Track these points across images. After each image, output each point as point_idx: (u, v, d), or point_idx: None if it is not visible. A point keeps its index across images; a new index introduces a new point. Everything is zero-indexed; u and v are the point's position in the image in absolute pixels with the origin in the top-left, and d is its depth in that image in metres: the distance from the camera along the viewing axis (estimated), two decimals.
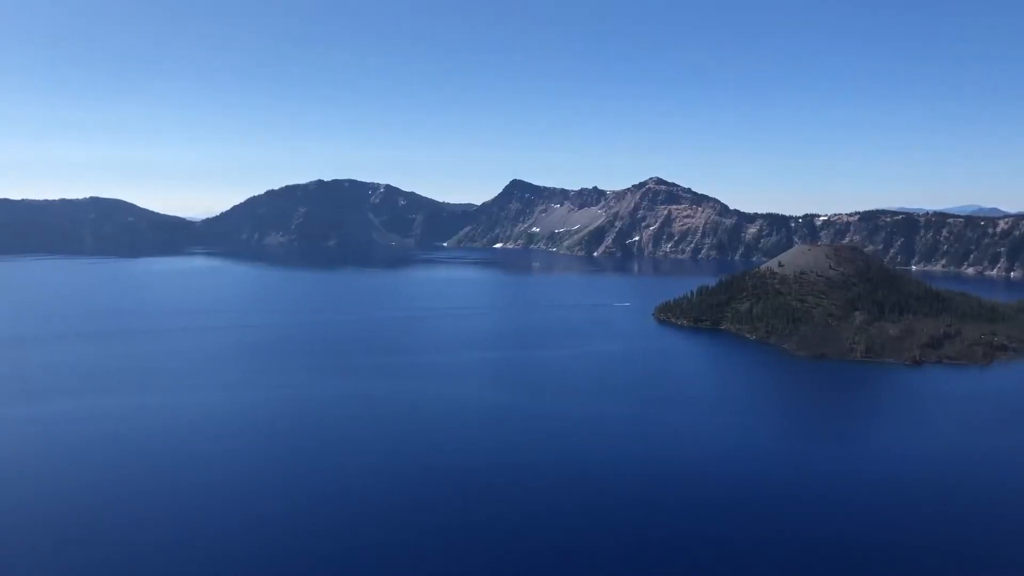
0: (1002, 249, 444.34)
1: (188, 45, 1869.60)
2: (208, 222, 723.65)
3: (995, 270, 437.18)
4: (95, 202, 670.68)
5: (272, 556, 79.42)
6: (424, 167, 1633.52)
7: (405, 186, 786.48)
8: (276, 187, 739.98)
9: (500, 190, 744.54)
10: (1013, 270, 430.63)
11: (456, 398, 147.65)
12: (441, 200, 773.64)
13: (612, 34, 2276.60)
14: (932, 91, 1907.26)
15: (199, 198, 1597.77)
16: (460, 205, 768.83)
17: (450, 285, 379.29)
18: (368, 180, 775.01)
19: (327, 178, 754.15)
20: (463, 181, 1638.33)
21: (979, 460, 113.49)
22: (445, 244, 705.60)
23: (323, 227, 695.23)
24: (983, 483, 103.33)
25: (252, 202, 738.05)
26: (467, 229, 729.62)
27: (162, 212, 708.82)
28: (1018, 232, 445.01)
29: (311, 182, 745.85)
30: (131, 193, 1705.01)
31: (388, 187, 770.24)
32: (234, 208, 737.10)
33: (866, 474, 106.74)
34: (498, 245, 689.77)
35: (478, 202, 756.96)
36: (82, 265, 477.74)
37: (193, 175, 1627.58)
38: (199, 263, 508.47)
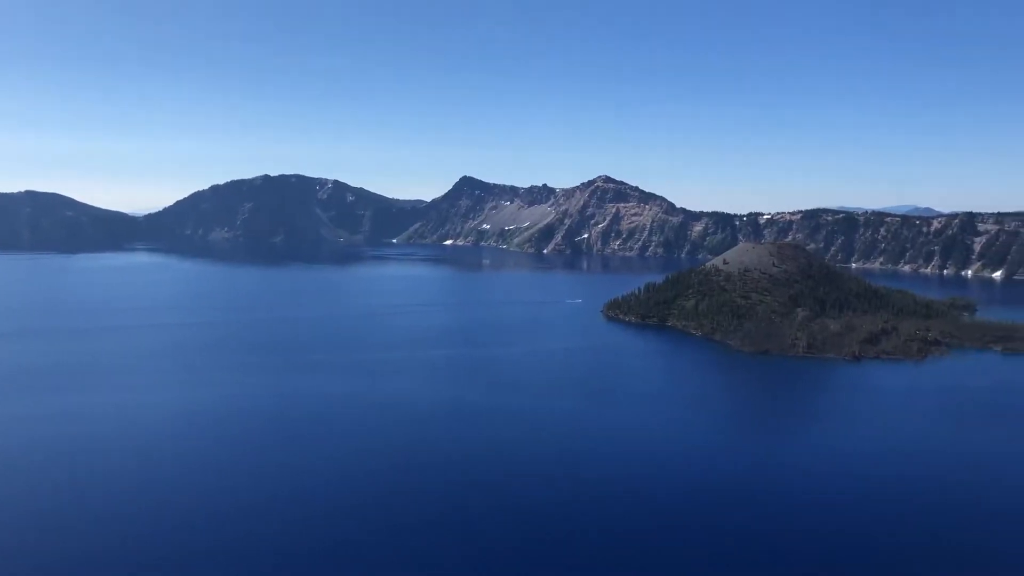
0: (936, 248, 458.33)
1: (128, 35, 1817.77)
2: (151, 217, 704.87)
3: (929, 268, 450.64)
4: (31, 196, 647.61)
5: (224, 554, 76.72)
6: (373, 163, 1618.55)
7: (354, 182, 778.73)
8: (221, 182, 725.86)
9: (450, 187, 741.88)
10: (946, 268, 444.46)
11: (408, 395, 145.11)
12: (390, 196, 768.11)
13: (559, 31, 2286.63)
14: (871, 93, 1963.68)
15: (141, 193, 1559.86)
16: (410, 201, 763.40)
17: (400, 282, 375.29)
18: (316, 175, 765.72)
19: (274, 173, 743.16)
20: (413, 177, 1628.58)
21: (915, 452, 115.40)
22: (394, 241, 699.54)
23: (270, 223, 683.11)
24: (919, 473, 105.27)
25: (196, 197, 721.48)
26: (417, 226, 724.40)
27: (103, 207, 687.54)
28: (950, 231, 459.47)
29: (257, 177, 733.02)
30: (70, 187, 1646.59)
31: (336, 183, 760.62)
32: (177, 203, 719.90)
33: (808, 467, 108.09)
34: (448, 242, 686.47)
35: (428, 199, 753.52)
36: (16, 261, 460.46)
37: (135, 169, 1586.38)
38: (141, 259, 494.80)
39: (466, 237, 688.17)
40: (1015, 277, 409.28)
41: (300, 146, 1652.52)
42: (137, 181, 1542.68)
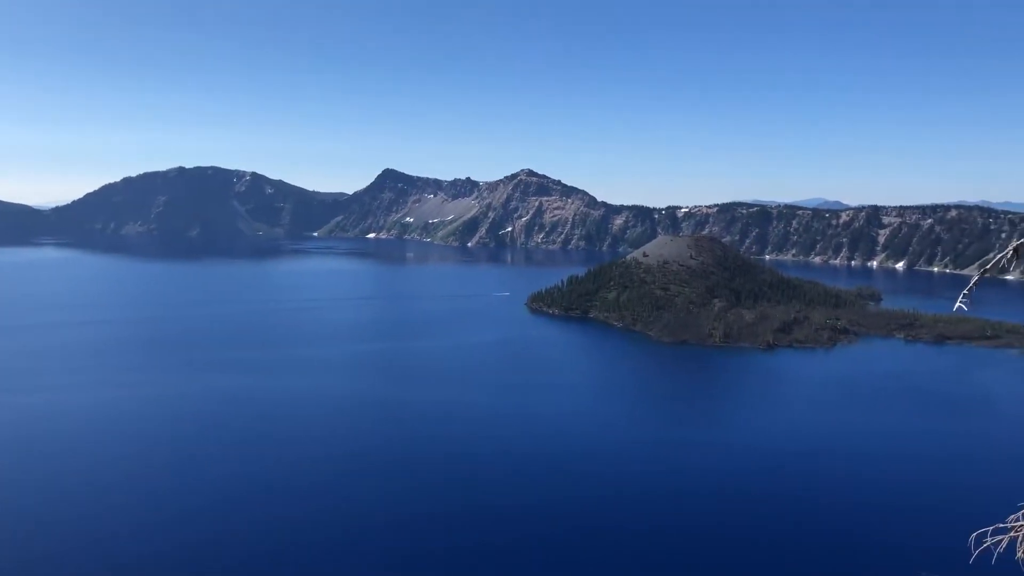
0: (844, 240, 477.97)
1: (30, 19, 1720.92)
2: (59, 210, 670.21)
3: (838, 259, 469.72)
4: None
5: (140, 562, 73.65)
6: (292, 154, 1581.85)
7: (273, 174, 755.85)
8: (133, 174, 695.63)
9: (373, 179, 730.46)
10: (853, 259, 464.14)
11: (333, 391, 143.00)
12: (311, 189, 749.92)
13: (479, 25, 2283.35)
14: (782, 91, 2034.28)
15: (48, 185, 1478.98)
16: (331, 194, 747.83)
17: (322, 276, 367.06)
18: (233, 167, 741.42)
19: (189, 165, 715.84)
20: (334, 169, 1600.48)
21: (825, 433, 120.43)
22: (316, 234, 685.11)
23: (185, 216, 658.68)
24: (828, 452, 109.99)
25: (107, 190, 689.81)
26: (338, 219, 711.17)
27: (5, 199, 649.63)
28: (857, 224, 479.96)
29: (171, 169, 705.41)
30: None
31: (254, 175, 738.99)
32: (87, 196, 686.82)
33: (724, 451, 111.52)
34: (371, 235, 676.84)
35: (350, 191, 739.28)
36: None
37: (41, 160, 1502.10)
38: (49, 254, 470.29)
39: (389, 230, 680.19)
40: (916, 268, 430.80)
41: (216, 137, 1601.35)
42: (43, 173, 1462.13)
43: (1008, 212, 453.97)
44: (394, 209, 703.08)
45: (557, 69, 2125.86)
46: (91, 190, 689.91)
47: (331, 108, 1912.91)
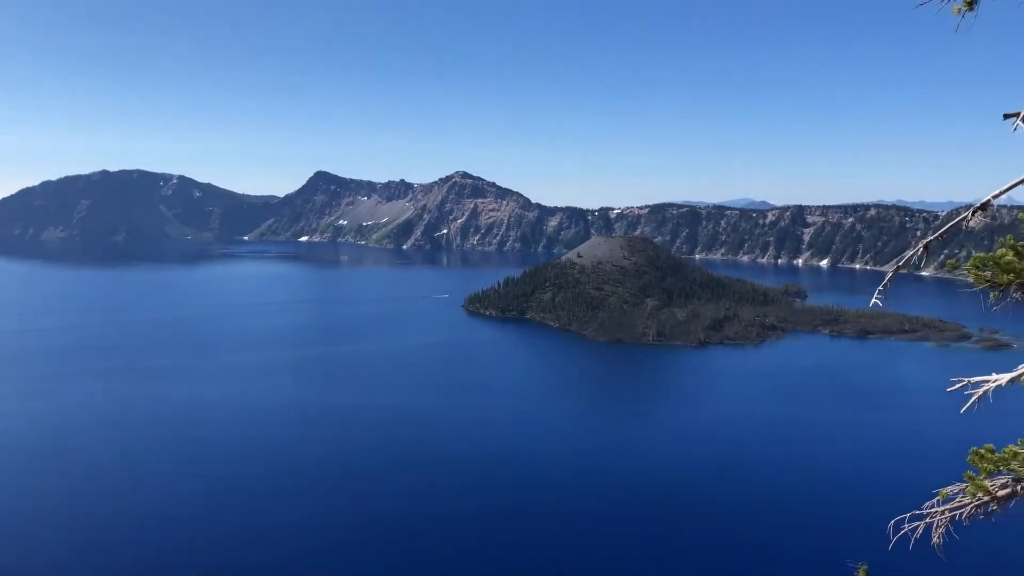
0: (771, 239, 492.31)
1: None
2: None
3: (765, 257, 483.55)
4: None
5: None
6: (221, 157, 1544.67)
7: (200, 177, 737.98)
8: (53, 178, 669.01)
9: (304, 181, 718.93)
10: (780, 257, 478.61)
11: (268, 397, 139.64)
12: (240, 192, 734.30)
13: (413, 24, 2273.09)
14: (709, 93, 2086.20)
15: None
16: (261, 197, 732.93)
17: (255, 280, 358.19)
18: (159, 170, 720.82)
19: (113, 168, 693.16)
20: (264, 172, 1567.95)
21: (756, 428, 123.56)
22: (246, 238, 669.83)
23: (109, 221, 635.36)
24: (758, 442, 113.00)
25: (25, 194, 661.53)
26: (270, 222, 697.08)
27: None
28: (783, 223, 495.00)
29: (94, 172, 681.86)
30: None
31: (181, 178, 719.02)
32: (4, 200, 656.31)
33: (658, 445, 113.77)
34: (303, 238, 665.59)
35: (281, 194, 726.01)
36: None
37: None
38: None
39: (322, 233, 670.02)
40: (839, 265, 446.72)
41: (141, 140, 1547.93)
42: None
43: (923, 211, 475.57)
44: (327, 212, 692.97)
45: (490, 70, 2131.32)
46: (6, 195, 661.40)
47: (261, 109, 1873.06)
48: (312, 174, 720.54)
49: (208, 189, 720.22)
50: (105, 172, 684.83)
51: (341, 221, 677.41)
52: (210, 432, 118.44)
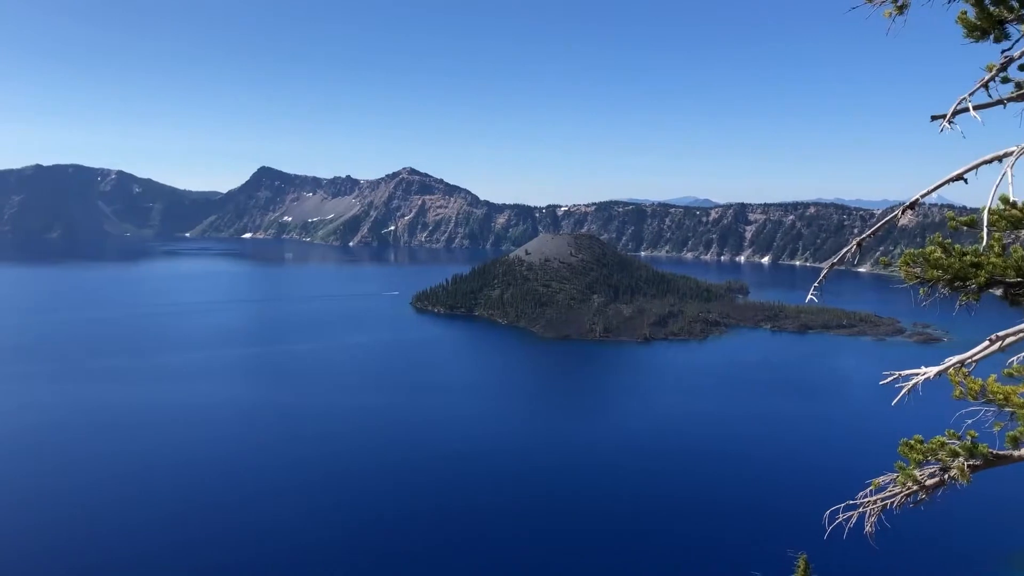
0: (714, 236, 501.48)
1: None
2: None
3: (708, 254, 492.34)
4: None
5: None
6: (161, 152, 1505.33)
7: (140, 172, 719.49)
8: None
9: (248, 177, 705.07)
10: (722, 254, 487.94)
11: (214, 398, 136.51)
12: (182, 187, 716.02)
13: (358, 18, 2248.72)
14: (653, 91, 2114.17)
15: None
16: (204, 193, 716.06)
17: (197, 278, 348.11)
18: (96, 165, 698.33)
19: (46, 162, 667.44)
20: (206, 167, 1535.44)
21: (700, 421, 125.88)
22: (188, 235, 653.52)
23: (43, 217, 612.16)
24: (701, 435, 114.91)
25: None
26: (212, 218, 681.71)
27: None
28: (726, 221, 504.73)
29: (27, 167, 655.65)
30: None
31: (120, 173, 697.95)
32: None
33: (606, 439, 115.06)
34: (247, 235, 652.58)
35: (224, 190, 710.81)
36: None
37: None
38: None
39: (266, 230, 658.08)
40: (780, 262, 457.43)
41: (76, 133, 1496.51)
42: None
43: (859, 209, 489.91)
44: (271, 208, 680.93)
45: (436, 66, 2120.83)
46: None
47: (203, 103, 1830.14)
48: (256, 170, 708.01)
49: (148, 185, 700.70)
50: (38, 166, 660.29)
51: (286, 218, 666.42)
52: (155, 435, 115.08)
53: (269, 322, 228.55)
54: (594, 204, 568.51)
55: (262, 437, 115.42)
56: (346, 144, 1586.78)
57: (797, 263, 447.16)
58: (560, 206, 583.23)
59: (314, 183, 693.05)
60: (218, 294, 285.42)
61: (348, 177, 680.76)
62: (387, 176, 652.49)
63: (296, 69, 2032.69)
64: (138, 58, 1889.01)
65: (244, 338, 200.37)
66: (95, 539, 79.42)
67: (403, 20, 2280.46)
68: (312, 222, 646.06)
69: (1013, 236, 9.49)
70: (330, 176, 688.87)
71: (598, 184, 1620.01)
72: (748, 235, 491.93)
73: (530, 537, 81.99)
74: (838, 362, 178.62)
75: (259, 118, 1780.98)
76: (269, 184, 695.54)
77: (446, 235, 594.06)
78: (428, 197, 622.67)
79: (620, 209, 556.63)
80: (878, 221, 9.95)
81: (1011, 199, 8.91)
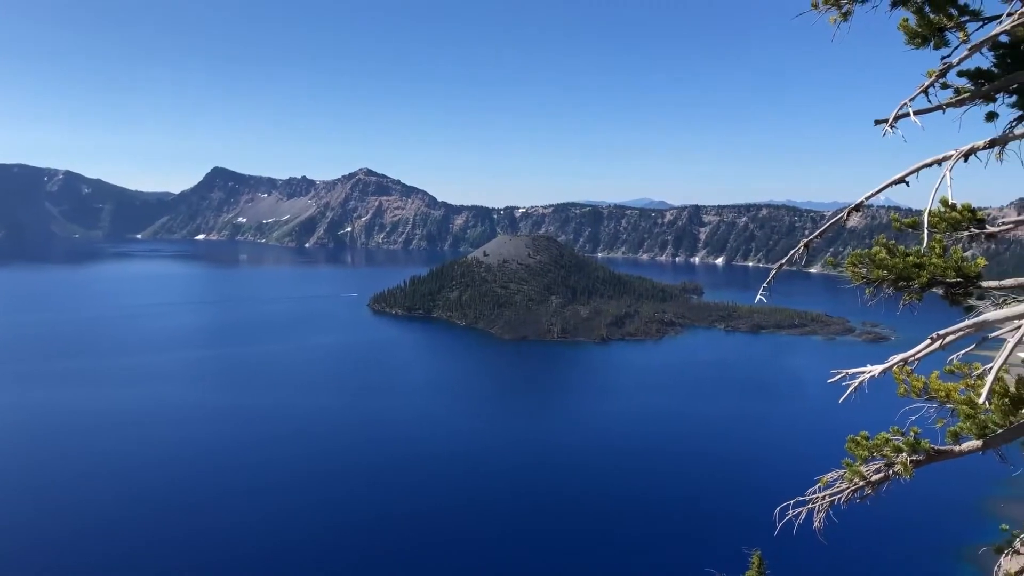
0: (669, 238, 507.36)
1: None
2: None
3: (664, 255, 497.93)
4: None
5: None
6: (111, 151, 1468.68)
7: (89, 172, 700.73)
8: None
9: (201, 178, 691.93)
10: (677, 255, 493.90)
11: (171, 400, 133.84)
12: (133, 188, 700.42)
13: (314, 20, 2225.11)
14: (608, 97, 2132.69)
15: None
16: (155, 194, 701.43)
17: (150, 280, 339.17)
18: (43, 165, 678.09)
19: None
20: (158, 167, 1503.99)
21: (656, 420, 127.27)
22: (139, 236, 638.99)
23: None
24: (658, 439, 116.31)
25: None
26: (164, 220, 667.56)
27: None
28: (681, 222, 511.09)
29: None
30: None
31: (68, 173, 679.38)
32: None
33: (565, 437, 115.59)
34: (200, 237, 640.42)
35: (176, 190, 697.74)
36: None
37: None
38: None
39: (220, 231, 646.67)
40: (734, 263, 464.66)
41: (22, 132, 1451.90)
42: None
43: (810, 211, 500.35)
44: (225, 209, 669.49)
45: (393, 68, 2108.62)
46: None
47: (154, 102, 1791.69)
48: (209, 170, 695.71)
49: (97, 185, 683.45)
50: None
51: (240, 219, 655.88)
52: (113, 438, 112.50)
53: (226, 324, 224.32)
54: (552, 206, 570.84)
55: (224, 439, 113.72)
56: (302, 144, 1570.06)
57: (750, 264, 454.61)
58: (518, 208, 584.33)
59: (269, 184, 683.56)
60: (172, 296, 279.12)
61: (304, 178, 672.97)
62: (343, 177, 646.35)
63: (251, 69, 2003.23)
64: (87, 55, 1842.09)
65: (201, 340, 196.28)
66: (49, 542, 77.11)
67: (359, 21, 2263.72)
68: (267, 223, 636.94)
69: (953, 237, 9.78)
70: (285, 177, 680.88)
71: (555, 186, 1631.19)
72: (702, 236, 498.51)
73: (494, 537, 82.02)
74: (790, 361, 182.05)
75: (213, 118, 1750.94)
76: (223, 185, 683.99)
77: (403, 236, 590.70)
78: (385, 198, 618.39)
79: (577, 211, 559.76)
80: (826, 223, 10.16)
81: (950, 201, 9.18)
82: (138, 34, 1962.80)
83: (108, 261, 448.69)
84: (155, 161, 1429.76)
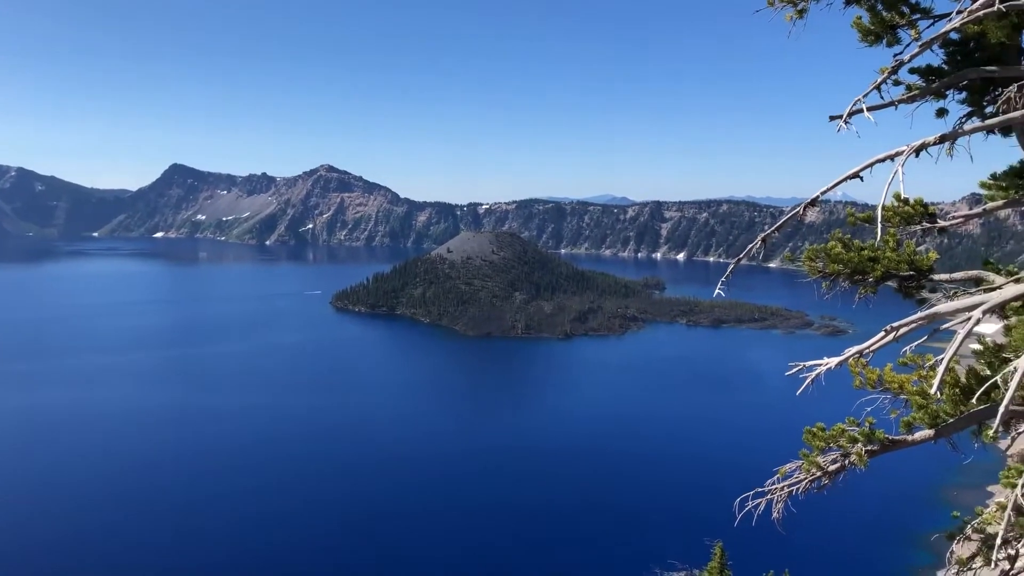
0: (631, 233, 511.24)
1: None
2: None
3: (626, 251, 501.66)
4: None
5: None
6: (66, 147, 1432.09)
7: (42, 169, 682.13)
8: None
9: (159, 175, 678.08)
10: (640, 251, 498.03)
11: (132, 401, 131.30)
12: (89, 185, 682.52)
13: (274, 12, 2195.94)
14: (568, 92, 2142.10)
15: None
16: (112, 191, 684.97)
17: (108, 279, 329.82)
18: None
19: None
20: (114, 164, 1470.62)
21: (620, 415, 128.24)
22: (96, 234, 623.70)
23: None
24: (623, 434, 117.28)
25: None
26: (121, 218, 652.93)
27: None
28: (642, 218, 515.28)
29: None
30: None
31: (21, 170, 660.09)
32: None
33: (533, 437, 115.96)
34: (159, 235, 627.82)
35: (133, 187, 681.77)
36: None
37: None
38: None
39: (179, 229, 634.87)
40: (695, 258, 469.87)
41: None
42: None
43: (769, 206, 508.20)
44: (184, 206, 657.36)
45: (353, 62, 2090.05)
46: None
47: (109, 96, 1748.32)
48: (167, 167, 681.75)
49: (51, 182, 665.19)
50: None
51: (199, 216, 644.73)
52: (68, 441, 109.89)
53: (186, 324, 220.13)
54: (515, 202, 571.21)
55: (187, 442, 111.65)
56: (262, 141, 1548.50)
57: (711, 259, 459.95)
58: (481, 204, 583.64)
59: (229, 181, 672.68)
60: (130, 295, 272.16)
61: (264, 174, 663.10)
62: (304, 173, 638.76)
63: (208, 63, 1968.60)
64: (37, 49, 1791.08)
65: (161, 340, 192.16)
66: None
67: (315, 14, 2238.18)
68: (227, 221, 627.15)
69: (906, 231, 9.99)
70: (245, 174, 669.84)
71: (519, 182, 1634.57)
72: (664, 232, 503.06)
73: (456, 535, 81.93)
74: (750, 355, 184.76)
75: (170, 113, 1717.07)
76: (181, 182, 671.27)
77: (366, 233, 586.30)
78: (347, 195, 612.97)
79: (540, 207, 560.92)
80: (783, 218, 10.30)
81: (903, 196, 9.37)
82: (92, 26, 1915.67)
83: (63, 260, 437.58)
84: (111, 158, 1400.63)
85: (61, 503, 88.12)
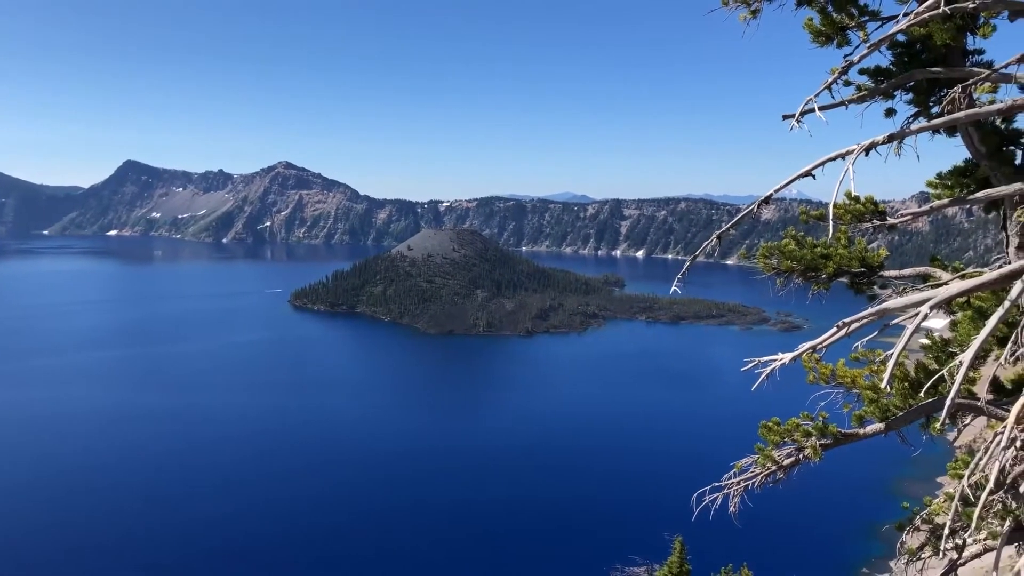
0: (591, 231, 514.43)
1: None
2: None
3: (586, 249, 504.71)
4: None
5: None
6: (13, 142, 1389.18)
7: None
8: None
9: (112, 171, 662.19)
10: (600, 249, 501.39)
11: (85, 403, 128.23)
12: (38, 182, 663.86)
13: (230, 7, 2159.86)
14: (528, 92, 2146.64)
15: None
16: (63, 188, 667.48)
17: (59, 278, 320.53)
18: None
19: None
20: (65, 160, 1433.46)
21: (581, 411, 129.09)
22: (46, 232, 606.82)
23: None
24: (584, 430, 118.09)
25: None
26: (73, 215, 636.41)
27: None
28: (602, 216, 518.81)
29: None
30: None
31: None
32: None
33: (496, 434, 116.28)
34: (112, 232, 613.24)
35: (85, 184, 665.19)
36: None
37: None
38: None
39: (133, 227, 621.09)
40: (654, 255, 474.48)
41: None
42: None
43: (727, 204, 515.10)
44: (138, 204, 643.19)
45: (311, 58, 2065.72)
46: None
47: (60, 90, 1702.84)
48: (121, 163, 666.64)
49: None
50: None
51: (154, 214, 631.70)
52: (19, 443, 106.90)
53: (142, 323, 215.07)
54: (476, 200, 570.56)
55: (145, 443, 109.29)
56: (218, 137, 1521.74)
57: (669, 256, 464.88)
58: (442, 201, 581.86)
59: (184, 177, 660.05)
60: (83, 294, 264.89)
61: (220, 171, 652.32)
62: (262, 170, 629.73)
63: (163, 57, 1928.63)
64: None
65: (116, 340, 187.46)
66: None
67: (272, 10, 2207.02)
68: (182, 218, 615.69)
69: (858, 229, 10.19)
70: (201, 170, 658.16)
71: (479, 179, 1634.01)
72: (623, 230, 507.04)
73: (420, 532, 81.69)
74: (708, 351, 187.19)
75: (124, 108, 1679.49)
76: (135, 179, 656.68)
77: (325, 231, 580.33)
78: (305, 192, 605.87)
79: (501, 205, 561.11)
80: (738, 216, 10.42)
81: (854, 194, 9.57)
82: (40, 22, 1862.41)
83: (12, 258, 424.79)
84: (62, 154, 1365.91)
85: (5, 502, 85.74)
